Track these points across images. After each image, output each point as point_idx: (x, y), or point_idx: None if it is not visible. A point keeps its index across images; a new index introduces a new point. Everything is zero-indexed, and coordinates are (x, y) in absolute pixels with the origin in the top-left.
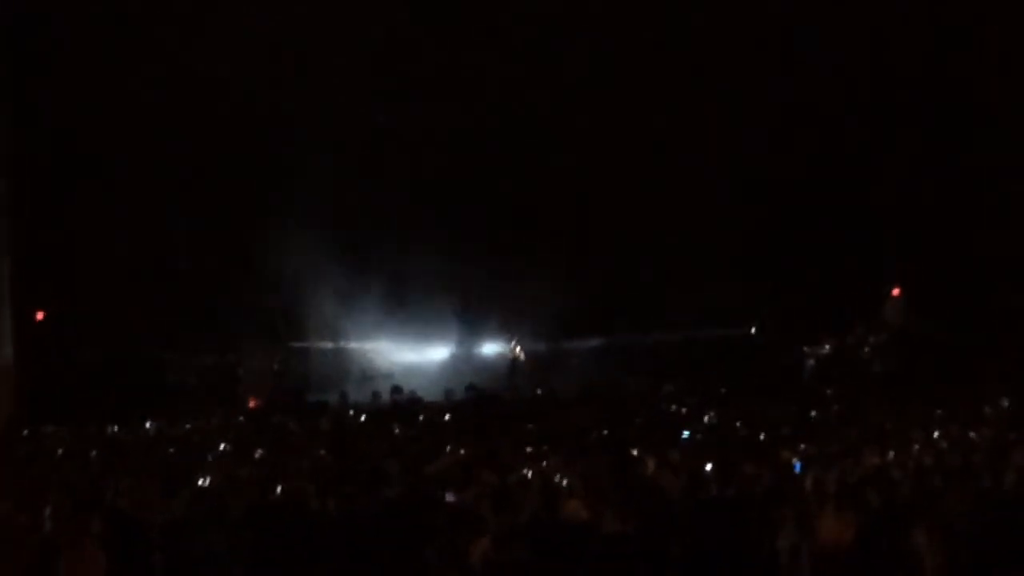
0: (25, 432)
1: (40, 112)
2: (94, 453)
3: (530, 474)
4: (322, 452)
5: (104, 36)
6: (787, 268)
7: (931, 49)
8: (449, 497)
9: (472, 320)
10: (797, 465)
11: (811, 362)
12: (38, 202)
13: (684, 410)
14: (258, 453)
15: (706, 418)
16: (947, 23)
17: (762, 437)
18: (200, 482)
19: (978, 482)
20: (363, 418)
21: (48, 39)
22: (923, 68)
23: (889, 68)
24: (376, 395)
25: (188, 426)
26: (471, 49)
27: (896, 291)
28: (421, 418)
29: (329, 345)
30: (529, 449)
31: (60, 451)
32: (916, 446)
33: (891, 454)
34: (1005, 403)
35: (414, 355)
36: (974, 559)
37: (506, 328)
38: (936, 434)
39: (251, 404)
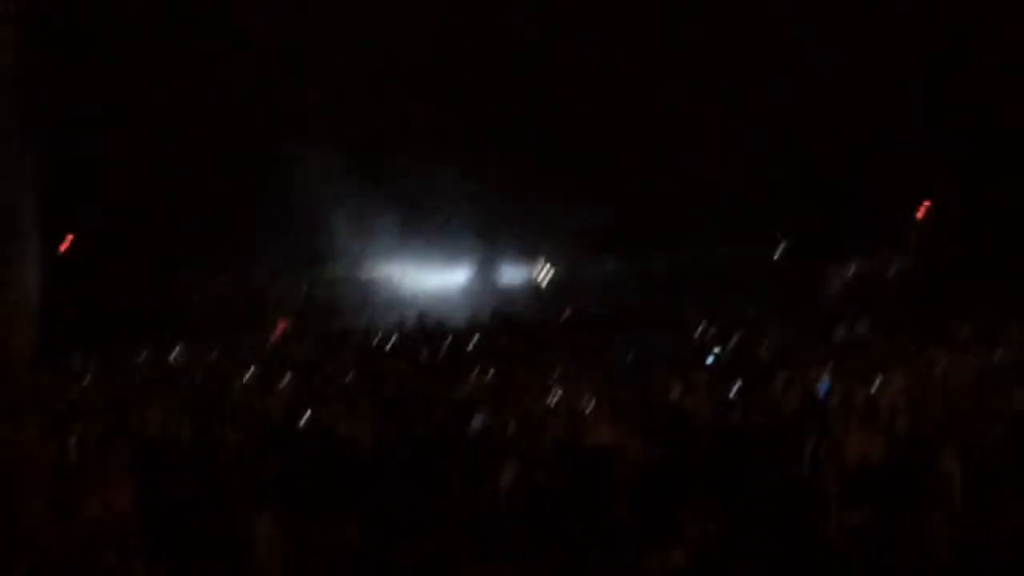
0: (51, 360)
1: (54, 35)
2: (121, 380)
3: (556, 399)
4: (349, 378)
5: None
6: (813, 189)
7: None
8: (475, 422)
9: (493, 246)
10: (823, 386)
11: (837, 283)
12: (64, 129)
13: (710, 332)
14: (286, 379)
15: (732, 340)
16: None
17: (788, 358)
18: (227, 409)
19: (1005, 402)
20: (390, 344)
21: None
22: None
23: None
24: (402, 321)
25: (215, 353)
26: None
27: (922, 211)
28: (447, 343)
29: (355, 272)
30: (555, 374)
31: (87, 378)
32: (943, 366)
33: (917, 374)
34: None
35: (440, 281)
36: (1001, 479)
37: (530, 252)
38: (963, 354)
39: (279, 330)
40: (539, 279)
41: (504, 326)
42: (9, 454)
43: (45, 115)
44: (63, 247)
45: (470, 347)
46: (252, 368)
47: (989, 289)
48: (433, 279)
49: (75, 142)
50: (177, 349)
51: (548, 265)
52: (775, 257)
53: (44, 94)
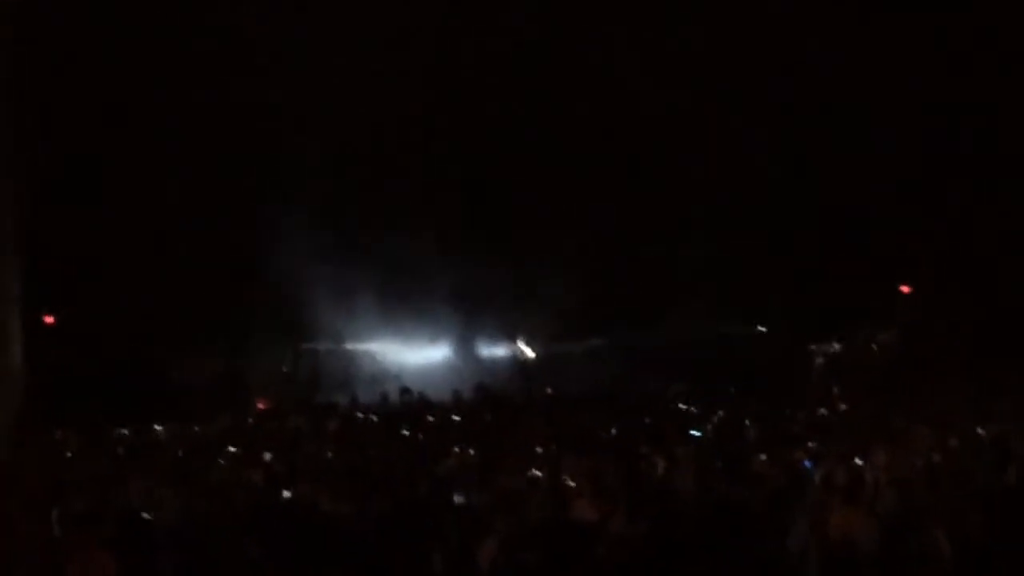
0: (34, 434)
1: (44, 114)
2: (104, 456)
3: (539, 475)
4: (331, 454)
5: (105, 36)
6: (795, 267)
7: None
8: (458, 498)
9: (476, 321)
10: (807, 464)
11: (820, 360)
12: (45, 205)
13: (693, 409)
14: (267, 455)
15: (715, 417)
16: None
17: (772, 436)
18: (210, 484)
19: (984, 480)
20: (372, 419)
21: (50, 41)
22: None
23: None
24: (385, 396)
25: (197, 428)
26: (473, 37)
27: (905, 289)
28: (430, 419)
29: (337, 347)
30: (538, 450)
31: (69, 453)
32: (926, 444)
33: (901, 453)
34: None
35: (422, 356)
36: (981, 558)
37: (512, 328)
38: (945, 433)
39: (260, 406)
40: (521, 355)
41: (487, 401)
42: None
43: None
44: (47, 320)
45: (453, 421)
46: (235, 443)
47: (973, 364)
48: (415, 354)
49: (59, 218)
50: (159, 424)
51: (531, 340)
52: (758, 334)
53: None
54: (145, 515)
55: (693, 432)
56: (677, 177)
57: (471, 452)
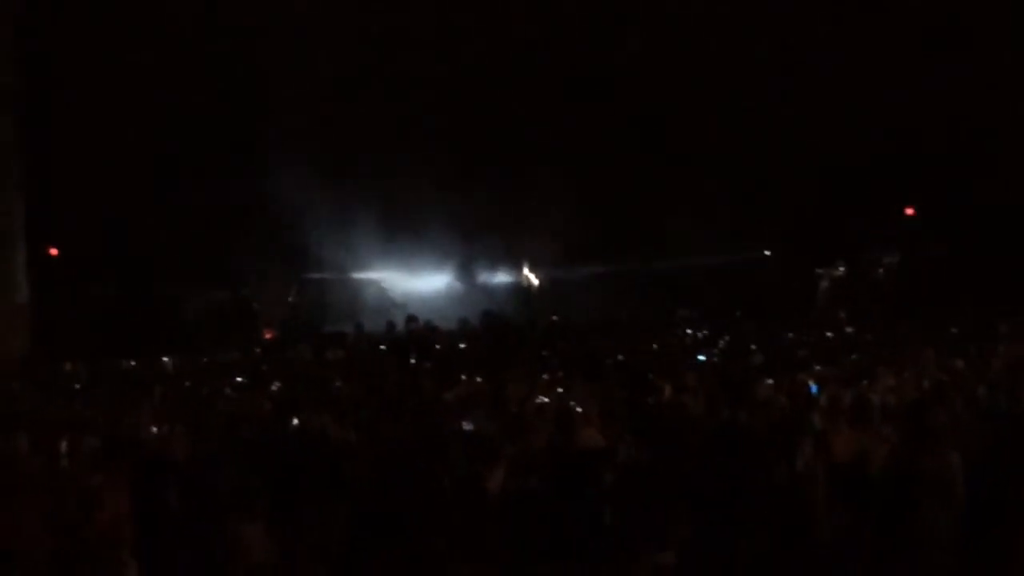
0: (42, 369)
1: (46, 49)
2: (111, 389)
3: (546, 402)
4: (338, 383)
5: None
6: (800, 190)
7: None
8: (466, 426)
9: (480, 249)
10: (813, 387)
11: (825, 284)
12: (49, 140)
13: (700, 334)
14: (275, 385)
15: (721, 342)
16: None
17: (778, 360)
18: (218, 414)
19: (994, 403)
20: (380, 348)
21: None
22: None
23: None
24: (391, 325)
25: (205, 359)
26: None
27: (910, 210)
28: (437, 347)
29: (342, 276)
30: (545, 376)
31: (77, 387)
32: (932, 366)
33: (907, 375)
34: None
35: (428, 284)
36: (989, 480)
37: (517, 256)
38: (951, 355)
39: (267, 336)
40: (526, 281)
41: (493, 329)
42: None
43: (34, 126)
44: (52, 252)
45: (459, 349)
46: (242, 373)
47: (977, 287)
48: (421, 282)
49: (62, 152)
50: (167, 356)
51: (535, 267)
52: (763, 258)
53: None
54: (154, 447)
55: (699, 357)
56: (682, 104)
57: (478, 380)
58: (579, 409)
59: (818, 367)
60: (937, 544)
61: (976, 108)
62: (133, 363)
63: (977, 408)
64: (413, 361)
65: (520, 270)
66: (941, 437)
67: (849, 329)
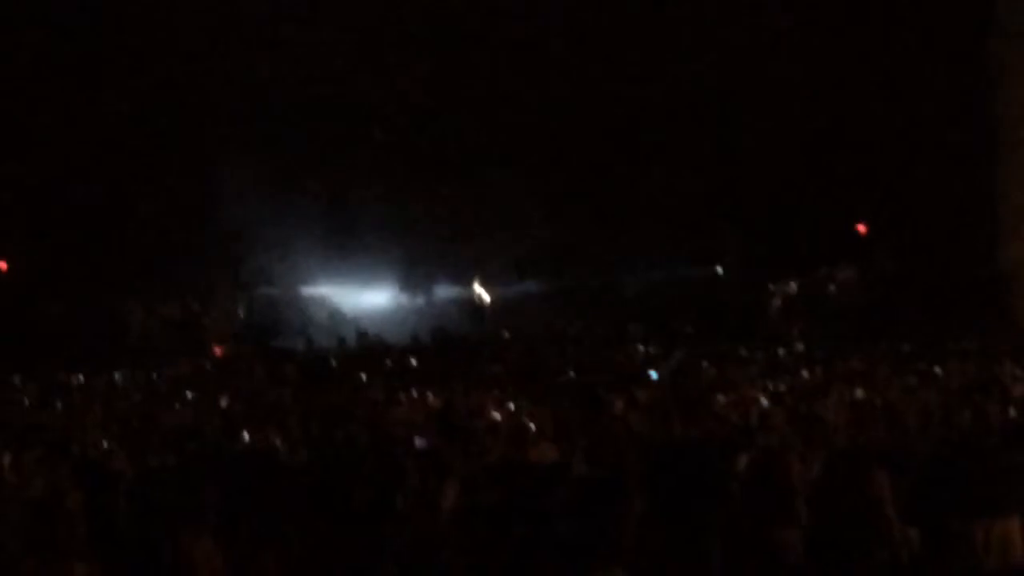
0: None
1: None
2: (60, 403)
3: (499, 417)
4: (288, 399)
5: None
6: (752, 206)
7: None
8: (418, 442)
9: (432, 264)
10: (764, 403)
11: (777, 300)
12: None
13: (651, 350)
14: (224, 401)
15: (673, 358)
16: None
17: (730, 377)
18: (167, 431)
19: (943, 424)
20: (331, 364)
21: None
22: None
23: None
24: (342, 340)
25: (154, 375)
26: None
27: (862, 227)
28: (388, 363)
29: (293, 292)
30: (496, 392)
31: (27, 401)
32: (883, 384)
33: (858, 392)
34: (971, 340)
35: (379, 300)
36: (933, 504)
37: (469, 271)
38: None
39: (216, 352)
40: (478, 297)
41: (444, 344)
42: None
43: None
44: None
45: (410, 365)
46: (192, 388)
47: (928, 304)
48: (372, 298)
49: (8, 166)
50: (116, 370)
51: (486, 283)
52: (716, 274)
53: None
54: (102, 460)
55: (651, 373)
56: (632, 116)
57: (429, 395)
58: (532, 424)
59: (770, 384)
60: (868, 567)
61: (929, 122)
62: (82, 377)
63: (929, 426)
64: (364, 377)
65: (471, 285)
66: (869, 454)
67: (800, 345)
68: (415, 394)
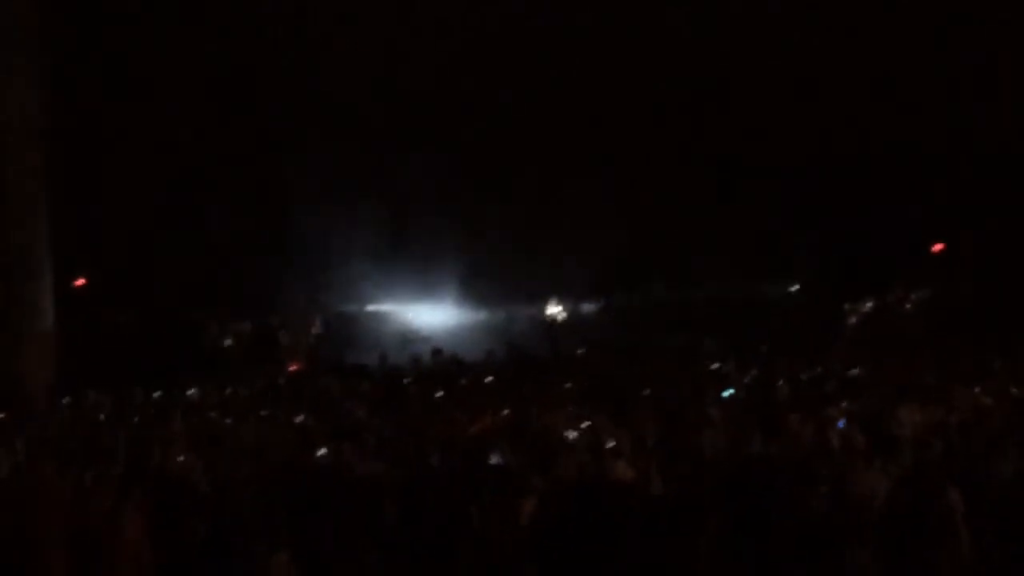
0: (67, 399)
1: (72, 81)
2: (136, 418)
3: (575, 434)
4: (363, 415)
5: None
6: (829, 225)
7: None
8: (494, 459)
9: (506, 282)
10: (840, 423)
11: (853, 319)
12: (74, 170)
13: (725, 368)
14: (300, 417)
15: (748, 376)
16: None
17: (805, 395)
18: (243, 447)
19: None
20: (405, 380)
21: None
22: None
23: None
24: (416, 357)
25: (229, 390)
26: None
27: (938, 247)
28: (463, 380)
29: (368, 308)
30: (571, 409)
31: (102, 416)
32: (958, 403)
33: (932, 410)
34: None
35: (454, 316)
36: (1010, 525)
37: (544, 287)
38: (978, 391)
39: (291, 368)
40: (553, 314)
41: (520, 361)
42: (27, 489)
43: (60, 155)
44: (78, 283)
45: (486, 381)
46: (267, 404)
47: (1005, 324)
48: (446, 315)
49: (88, 181)
50: (192, 386)
51: (561, 300)
52: (791, 292)
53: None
54: (177, 478)
55: (726, 391)
56: (711, 133)
57: (505, 412)
58: (610, 442)
59: (845, 403)
60: None
61: (1008, 143)
62: (158, 393)
63: (1003, 445)
64: (439, 394)
65: (545, 301)
66: (942, 474)
67: (877, 365)
68: (490, 410)
